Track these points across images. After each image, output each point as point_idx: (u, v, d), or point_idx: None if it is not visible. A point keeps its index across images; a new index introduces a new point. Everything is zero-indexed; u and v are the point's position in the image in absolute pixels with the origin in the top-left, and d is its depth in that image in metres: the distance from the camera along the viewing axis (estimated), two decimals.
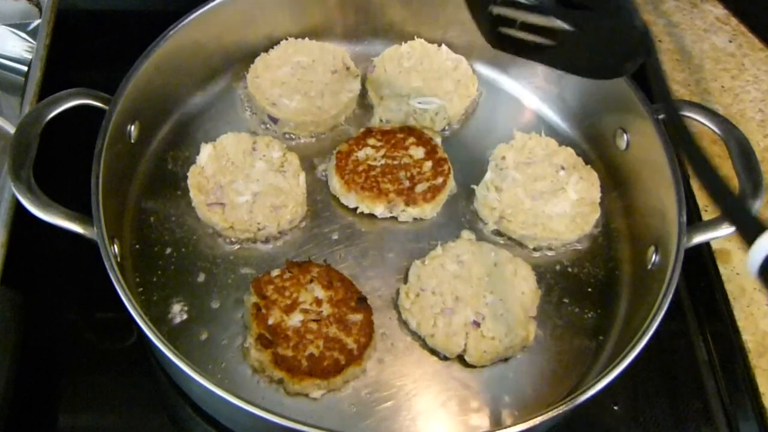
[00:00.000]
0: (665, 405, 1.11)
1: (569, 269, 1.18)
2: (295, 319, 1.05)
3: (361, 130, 1.27)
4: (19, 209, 1.10)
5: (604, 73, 1.09)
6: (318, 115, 1.27)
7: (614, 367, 0.94)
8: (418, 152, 1.24)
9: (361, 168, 1.21)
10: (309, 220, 1.20)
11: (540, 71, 1.33)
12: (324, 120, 1.28)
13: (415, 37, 1.37)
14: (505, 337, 1.07)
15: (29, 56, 1.35)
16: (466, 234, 1.19)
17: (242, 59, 1.33)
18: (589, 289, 1.16)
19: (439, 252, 1.14)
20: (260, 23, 1.32)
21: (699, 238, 1.07)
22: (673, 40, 1.52)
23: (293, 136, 1.29)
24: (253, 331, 1.04)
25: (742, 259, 1.21)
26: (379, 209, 1.19)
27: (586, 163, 1.25)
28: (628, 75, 1.04)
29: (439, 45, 1.37)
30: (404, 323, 1.10)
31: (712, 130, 1.13)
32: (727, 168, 1.10)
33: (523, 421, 0.90)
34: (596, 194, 1.21)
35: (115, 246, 1.06)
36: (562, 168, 1.23)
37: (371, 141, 1.25)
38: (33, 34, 1.38)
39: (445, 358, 1.08)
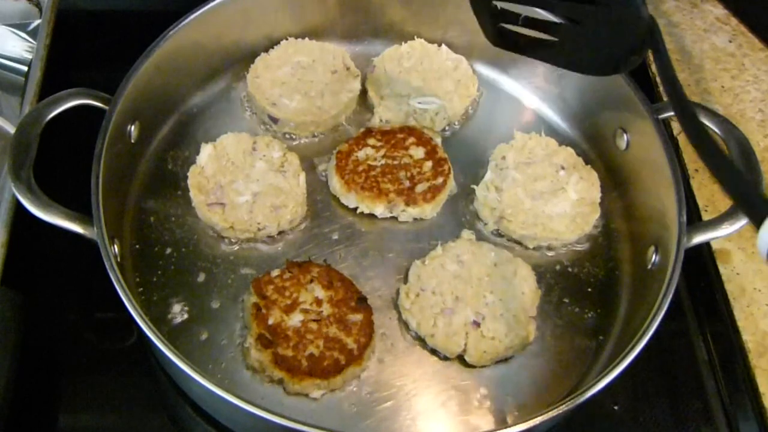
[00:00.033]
0: (665, 405, 1.11)
1: (569, 269, 1.18)
2: (295, 319, 1.05)
3: (361, 130, 1.27)
4: (19, 209, 1.10)
5: (608, 69, 1.08)
6: (318, 115, 1.27)
7: (614, 367, 0.94)
8: (418, 152, 1.24)
9: (361, 168, 1.21)
10: (309, 220, 1.20)
11: (540, 71, 1.33)
12: (324, 120, 1.28)
13: (415, 37, 1.37)
14: (505, 337, 1.07)
15: (29, 56, 1.35)
16: (466, 234, 1.19)
17: (242, 59, 1.33)
18: (589, 289, 1.16)
19: (439, 252, 1.14)
20: (260, 23, 1.32)
21: (699, 238, 1.07)
22: (673, 40, 1.52)
23: (293, 136, 1.29)
24: (253, 331, 1.04)
25: (742, 259, 1.21)
26: (379, 209, 1.19)
27: (586, 163, 1.25)
28: (634, 67, 1.04)
29: (439, 45, 1.37)
30: (404, 323, 1.10)
31: (713, 130, 1.13)
32: None
33: (523, 421, 0.90)
34: (596, 194, 1.21)
35: (115, 246, 1.06)
36: (562, 168, 1.23)
37: (371, 141, 1.25)
38: (33, 34, 1.38)
39: (445, 358, 1.08)
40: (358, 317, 1.06)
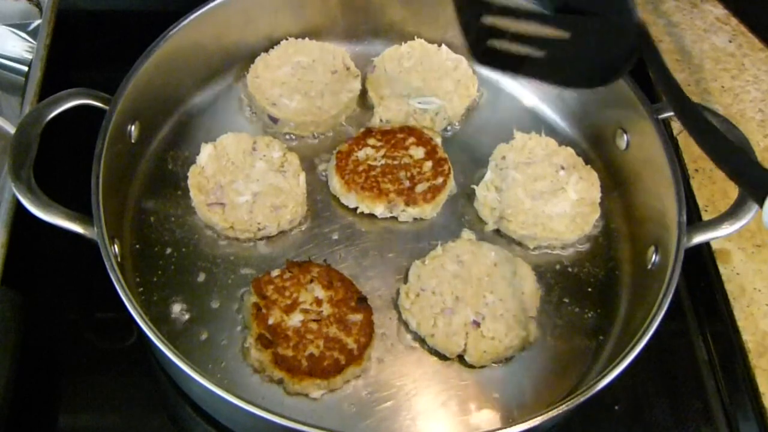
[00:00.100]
0: (665, 405, 1.11)
1: (569, 269, 1.18)
2: (295, 319, 1.05)
3: (361, 130, 1.27)
4: (19, 209, 1.10)
5: (597, 81, 1.08)
6: (318, 115, 1.27)
7: (614, 367, 0.94)
8: (418, 152, 1.24)
9: (361, 168, 1.21)
10: (309, 220, 1.20)
11: None
12: (324, 120, 1.28)
13: (415, 37, 1.37)
14: (505, 337, 1.07)
15: (29, 56, 1.35)
16: (466, 234, 1.19)
17: (242, 59, 1.33)
18: (589, 289, 1.16)
19: (439, 252, 1.14)
20: (260, 23, 1.32)
21: (699, 238, 1.07)
22: (673, 40, 1.52)
23: (293, 136, 1.29)
24: (253, 331, 1.04)
25: (742, 259, 1.21)
26: (379, 209, 1.19)
27: (586, 163, 1.25)
28: (623, 75, 1.04)
29: (439, 45, 1.37)
30: (404, 323, 1.10)
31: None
32: None
33: (523, 421, 0.90)
34: (596, 194, 1.21)
35: (115, 246, 1.06)
36: (562, 168, 1.23)
37: (371, 141, 1.25)
38: (33, 34, 1.38)
39: (445, 358, 1.07)
40: (358, 317, 1.06)
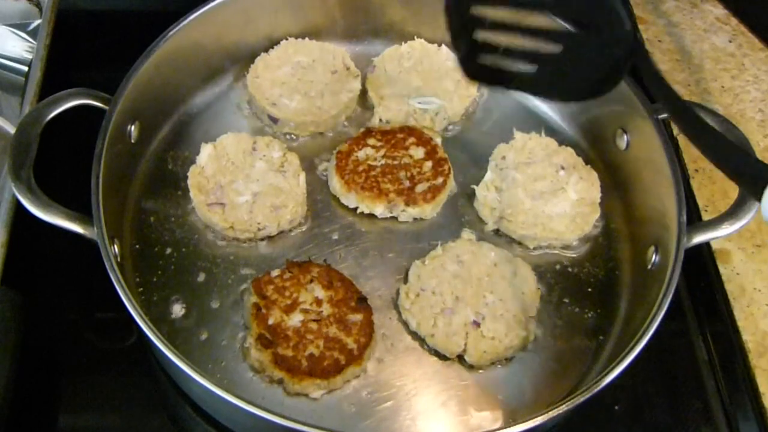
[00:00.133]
0: (665, 405, 1.11)
1: (569, 269, 1.18)
2: (295, 319, 1.05)
3: (361, 130, 1.27)
4: (19, 209, 1.10)
5: (589, 93, 1.08)
6: (318, 115, 1.27)
7: (614, 367, 0.94)
8: (418, 152, 1.24)
9: (361, 168, 1.21)
10: (309, 220, 1.20)
11: None
12: (324, 120, 1.28)
13: (415, 37, 1.37)
14: (505, 337, 1.07)
15: (29, 56, 1.35)
16: (466, 234, 1.19)
17: (242, 59, 1.33)
18: (589, 289, 1.16)
19: (439, 252, 1.14)
20: (260, 23, 1.32)
21: (699, 238, 1.07)
22: (673, 40, 1.52)
23: (293, 136, 1.29)
24: (253, 331, 1.04)
25: (742, 259, 1.21)
26: (379, 209, 1.19)
27: (586, 163, 1.25)
28: (616, 86, 1.04)
29: (439, 45, 1.37)
30: (404, 323, 1.10)
31: (716, 130, 1.13)
32: None
33: (523, 421, 0.90)
34: (596, 194, 1.21)
35: (115, 246, 1.06)
36: (562, 168, 1.23)
37: (371, 141, 1.25)
38: (33, 34, 1.38)
39: (445, 358, 1.07)
40: (358, 317, 1.06)
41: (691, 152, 1.32)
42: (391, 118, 1.29)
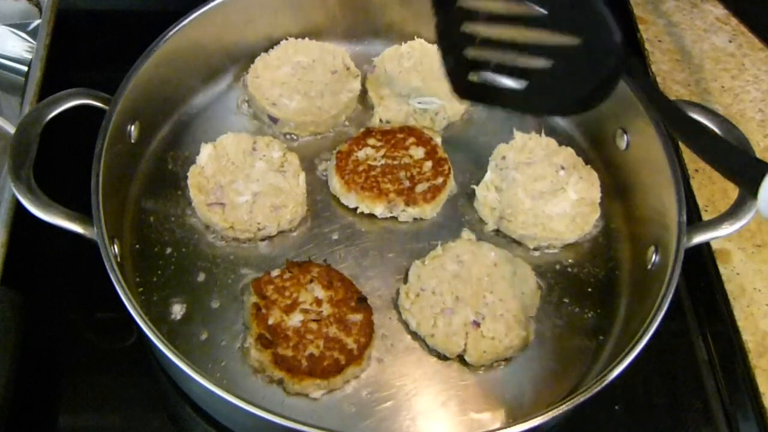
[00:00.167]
0: (665, 405, 1.11)
1: (569, 269, 1.18)
2: (295, 319, 1.05)
3: (361, 130, 1.27)
4: (19, 209, 1.10)
5: (579, 107, 1.09)
6: (318, 115, 1.27)
7: (614, 367, 0.94)
8: (418, 152, 1.24)
9: (361, 168, 1.21)
10: (309, 220, 1.20)
11: None
12: (324, 120, 1.28)
13: (415, 37, 1.37)
14: (505, 337, 1.06)
15: (29, 56, 1.35)
16: (466, 234, 1.19)
17: (242, 59, 1.33)
18: (589, 289, 1.16)
19: (439, 252, 1.14)
20: (260, 23, 1.32)
21: (699, 238, 1.07)
22: (673, 40, 1.52)
23: (293, 136, 1.29)
24: (253, 331, 1.04)
25: (742, 259, 1.21)
26: (379, 209, 1.19)
27: (586, 163, 1.25)
28: (602, 103, 1.05)
29: None
30: (404, 323, 1.10)
31: (712, 131, 1.13)
32: None
33: (523, 421, 0.90)
34: (596, 194, 1.21)
35: (115, 246, 1.06)
36: (562, 168, 1.23)
37: (371, 141, 1.25)
38: (33, 34, 1.39)
39: (445, 358, 1.07)
40: (358, 317, 1.06)
41: (691, 152, 1.31)
42: (391, 118, 1.29)
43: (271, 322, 1.04)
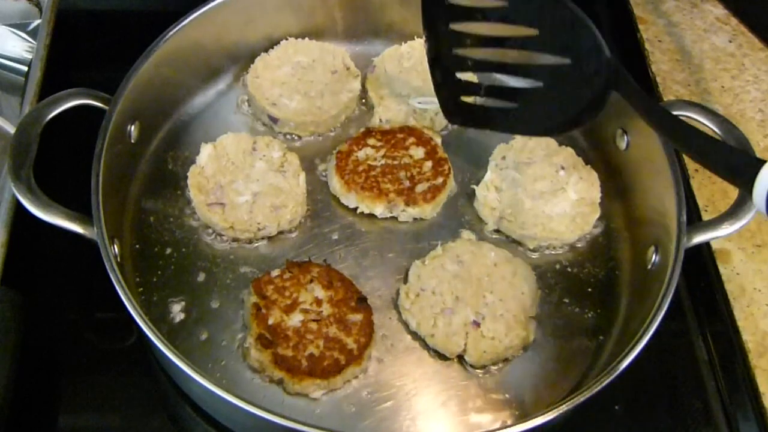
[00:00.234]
0: (665, 405, 1.11)
1: (569, 269, 1.18)
2: (295, 319, 1.05)
3: (361, 130, 1.27)
4: (19, 209, 1.10)
5: (569, 125, 1.10)
6: (318, 115, 1.27)
7: (614, 367, 0.94)
8: (418, 152, 1.24)
9: (361, 168, 1.21)
10: (309, 220, 1.20)
11: None
12: (324, 120, 1.28)
13: (415, 37, 1.37)
14: (505, 337, 1.06)
15: (29, 56, 1.35)
16: (466, 234, 1.19)
17: (242, 59, 1.33)
18: (589, 289, 1.16)
19: (439, 252, 1.14)
20: (260, 23, 1.32)
21: (699, 238, 1.07)
22: (673, 40, 1.52)
23: (293, 136, 1.29)
24: (253, 331, 1.04)
25: (742, 259, 1.21)
26: (379, 209, 1.19)
27: (586, 163, 1.25)
28: (594, 119, 1.06)
29: None
30: (404, 323, 1.10)
31: (712, 130, 1.13)
32: None
33: (523, 421, 0.90)
34: (596, 194, 1.21)
35: (115, 246, 1.06)
36: (562, 168, 1.23)
37: (371, 141, 1.25)
38: (33, 34, 1.39)
39: (445, 358, 1.07)
40: (358, 317, 1.06)
41: None
42: (391, 118, 1.29)
43: (271, 322, 1.04)
